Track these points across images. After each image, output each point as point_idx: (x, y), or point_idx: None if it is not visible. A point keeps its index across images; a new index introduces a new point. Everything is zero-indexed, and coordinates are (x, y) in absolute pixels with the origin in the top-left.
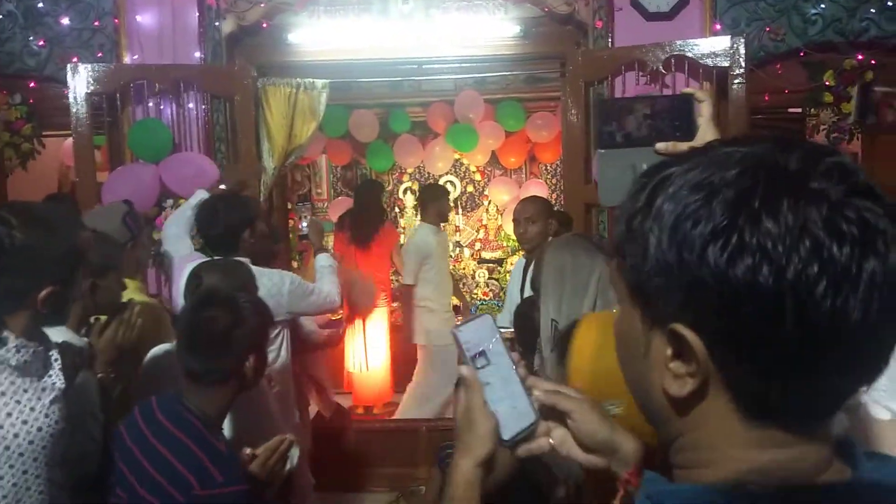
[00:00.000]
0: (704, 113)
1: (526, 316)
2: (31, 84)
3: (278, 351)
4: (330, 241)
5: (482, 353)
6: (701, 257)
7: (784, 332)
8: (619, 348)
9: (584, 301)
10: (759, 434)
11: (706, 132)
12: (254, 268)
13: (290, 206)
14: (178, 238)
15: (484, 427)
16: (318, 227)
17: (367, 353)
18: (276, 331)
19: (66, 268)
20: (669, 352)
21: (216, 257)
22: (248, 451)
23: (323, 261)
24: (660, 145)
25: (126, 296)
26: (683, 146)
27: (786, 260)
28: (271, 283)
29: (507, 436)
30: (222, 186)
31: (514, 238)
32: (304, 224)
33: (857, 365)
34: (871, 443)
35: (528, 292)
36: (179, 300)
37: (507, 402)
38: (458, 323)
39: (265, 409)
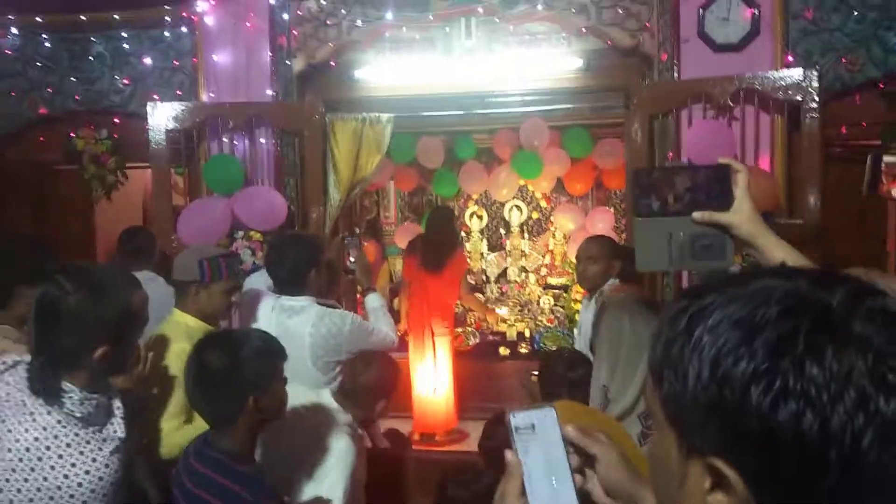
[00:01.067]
0: (740, 183)
1: (551, 367)
2: (116, 119)
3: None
4: (398, 265)
5: (534, 442)
6: (743, 397)
7: (828, 481)
8: (654, 472)
9: (637, 369)
10: None
11: (742, 202)
12: (317, 307)
13: (357, 232)
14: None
15: None
16: (366, 264)
17: (436, 376)
18: (337, 370)
19: (118, 328)
20: (708, 484)
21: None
22: None
23: (373, 301)
24: (696, 214)
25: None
26: (720, 216)
27: (831, 409)
28: (332, 323)
29: None
30: None
31: None
32: (352, 259)
33: None
34: None
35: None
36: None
37: (549, 495)
38: (517, 409)
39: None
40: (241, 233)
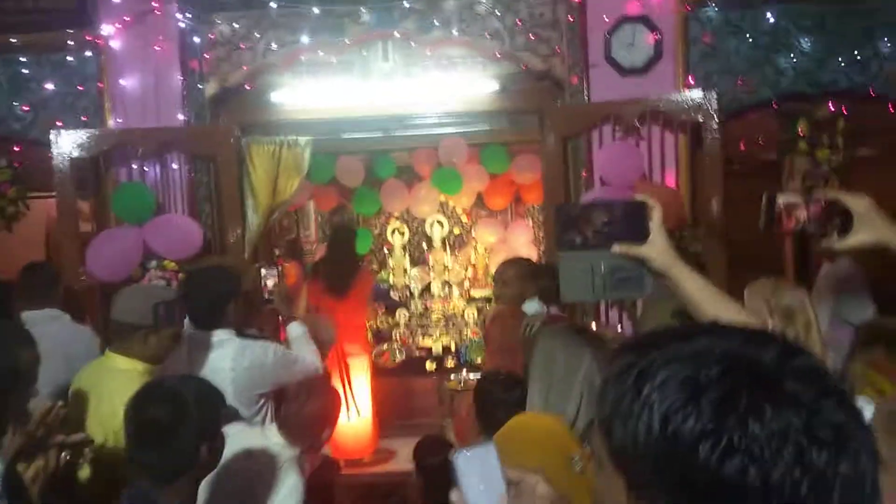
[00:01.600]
0: (655, 218)
1: (487, 389)
2: (16, 147)
3: (263, 421)
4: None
5: (476, 481)
6: (691, 452)
7: None
8: None
9: (570, 394)
10: None
11: (657, 236)
12: (237, 340)
13: (276, 253)
14: None
15: None
16: (286, 294)
17: (354, 402)
18: (261, 403)
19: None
20: None
21: (200, 331)
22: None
23: (295, 330)
24: (616, 247)
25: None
26: (637, 249)
27: (772, 464)
28: (254, 355)
29: None
30: None
31: None
32: (270, 288)
33: None
34: None
35: None
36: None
37: None
38: (462, 448)
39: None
40: (154, 262)
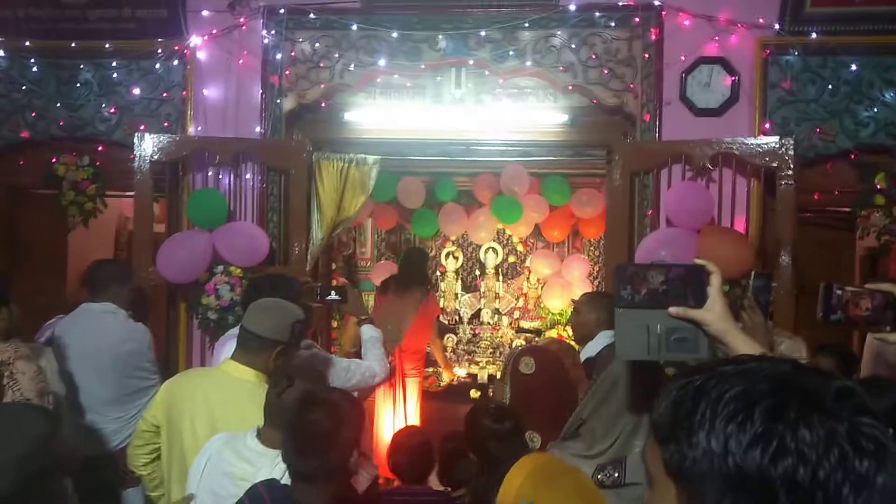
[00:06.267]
0: (714, 283)
1: (478, 419)
2: (100, 147)
3: None
4: (371, 301)
5: None
6: (746, 453)
7: None
8: None
9: (617, 423)
10: None
11: (715, 302)
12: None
13: (333, 267)
14: None
15: None
16: (358, 295)
17: (405, 421)
18: None
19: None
20: None
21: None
22: None
23: (368, 332)
24: (672, 310)
25: None
26: (694, 313)
27: (817, 464)
28: (311, 365)
29: None
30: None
31: (554, 311)
32: (332, 295)
33: None
34: None
35: None
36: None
37: None
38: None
39: None
40: (220, 267)
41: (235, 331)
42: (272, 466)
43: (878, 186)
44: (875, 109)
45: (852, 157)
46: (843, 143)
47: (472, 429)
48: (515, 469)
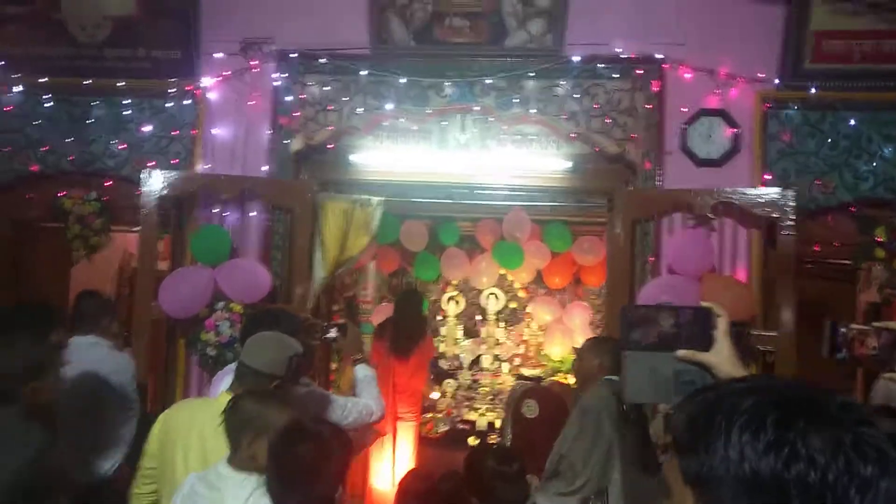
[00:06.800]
0: (721, 326)
1: (481, 460)
2: (108, 182)
3: None
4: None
5: None
6: (761, 459)
7: None
8: None
9: (594, 452)
10: None
11: (722, 345)
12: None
13: (335, 309)
14: None
15: None
16: (356, 334)
17: (394, 467)
18: None
19: None
20: None
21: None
22: None
23: (363, 371)
24: (680, 353)
25: None
26: (702, 356)
27: (826, 469)
28: (307, 402)
29: None
30: None
31: (555, 358)
32: (333, 335)
33: None
34: None
35: None
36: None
37: None
38: None
39: None
40: (221, 303)
41: (234, 366)
42: (238, 489)
43: (879, 239)
44: (874, 164)
45: (852, 210)
46: (843, 196)
47: (475, 470)
48: None
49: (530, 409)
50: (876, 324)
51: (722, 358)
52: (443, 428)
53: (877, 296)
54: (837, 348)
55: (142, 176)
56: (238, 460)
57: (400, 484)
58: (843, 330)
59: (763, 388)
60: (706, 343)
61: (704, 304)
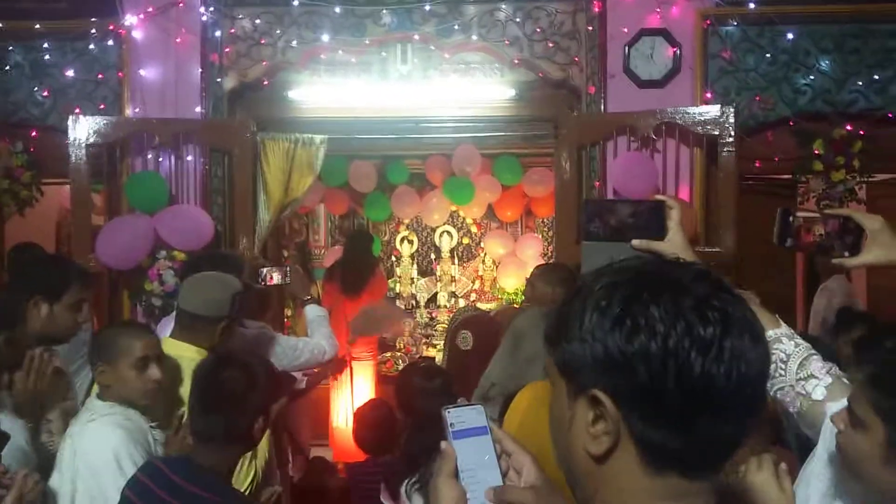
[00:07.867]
0: (674, 217)
1: (408, 378)
2: (34, 133)
3: None
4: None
5: (465, 433)
6: (607, 336)
7: (669, 389)
8: (551, 425)
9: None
10: (661, 484)
11: (675, 234)
12: (240, 329)
13: (285, 255)
14: None
15: (448, 496)
16: (301, 276)
17: (353, 406)
18: None
19: None
20: (590, 417)
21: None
22: None
23: (313, 312)
24: (635, 242)
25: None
26: (655, 244)
27: (667, 335)
28: (258, 344)
29: None
30: None
31: (510, 291)
32: (276, 279)
33: (731, 419)
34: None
35: None
36: None
37: (482, 479)
38: (451, 405)
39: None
40: (163, 252)
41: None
42: (89, 414)
43: (817, 152)
44: (812, 77)
45: (791, 124)
46: (783, 111)
47: (402, 388)
48: (521, 394)
49: (465, 341)
50: (827, 211)
51: (675, 246)
52: (402, 366)
53: (815, 208)
54: (790, 235)
55: (68, 123)
56: (106, 391)
57: (356, 414)
58: (790, 218)
59: (626, 267)
60: (660, 233)
61: (659, 196)
